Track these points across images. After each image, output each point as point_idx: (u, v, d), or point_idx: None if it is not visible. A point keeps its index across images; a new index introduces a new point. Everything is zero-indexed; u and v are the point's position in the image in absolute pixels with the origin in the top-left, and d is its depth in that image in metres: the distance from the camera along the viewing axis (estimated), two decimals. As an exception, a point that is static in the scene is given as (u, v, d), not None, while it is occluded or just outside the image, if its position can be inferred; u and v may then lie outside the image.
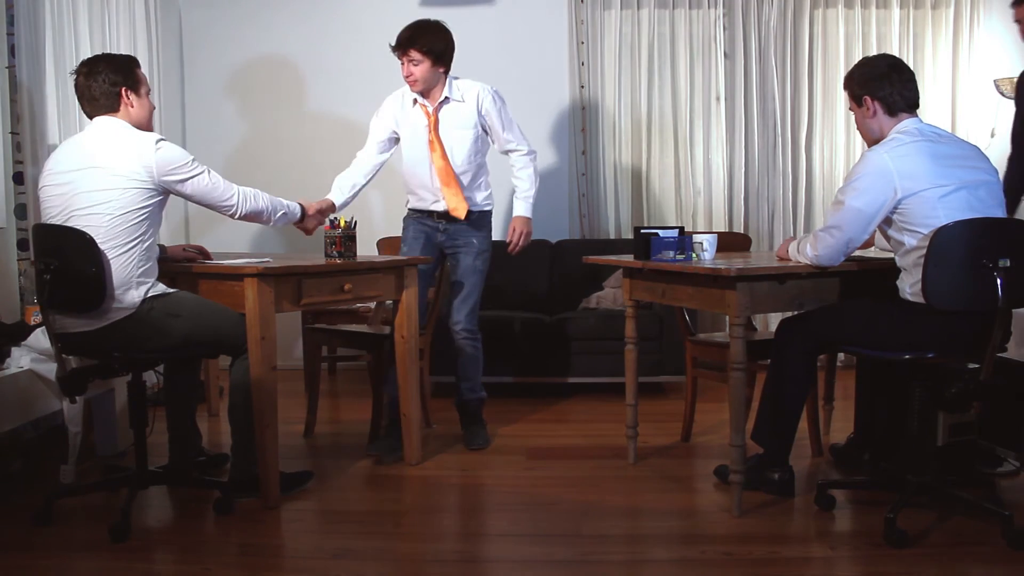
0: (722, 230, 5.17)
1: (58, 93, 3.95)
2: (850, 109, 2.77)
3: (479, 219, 3.61)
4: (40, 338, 3.07)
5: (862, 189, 2.54)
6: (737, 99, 5.24)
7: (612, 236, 5.31)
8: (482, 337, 3.71)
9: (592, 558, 2.45)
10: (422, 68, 3.38)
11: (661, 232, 3.00)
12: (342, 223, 3.12)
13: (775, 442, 2.84)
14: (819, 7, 5.24)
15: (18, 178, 3.68)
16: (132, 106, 2.77)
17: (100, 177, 2.62)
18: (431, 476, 3.23)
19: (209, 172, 2.79)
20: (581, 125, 5.26)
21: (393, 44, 3.41)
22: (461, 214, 3.51)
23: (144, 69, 4.57)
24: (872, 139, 2.71)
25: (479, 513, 2.96)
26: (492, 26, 5.28)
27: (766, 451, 2.88)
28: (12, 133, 3.66)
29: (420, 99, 3.49)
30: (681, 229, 3.05)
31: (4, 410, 2.88)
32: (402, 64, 3.42)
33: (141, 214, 2.65)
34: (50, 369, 2.95)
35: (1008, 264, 2.38)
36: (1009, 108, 5.06)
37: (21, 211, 3.68)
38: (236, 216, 2.92)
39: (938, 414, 2.72)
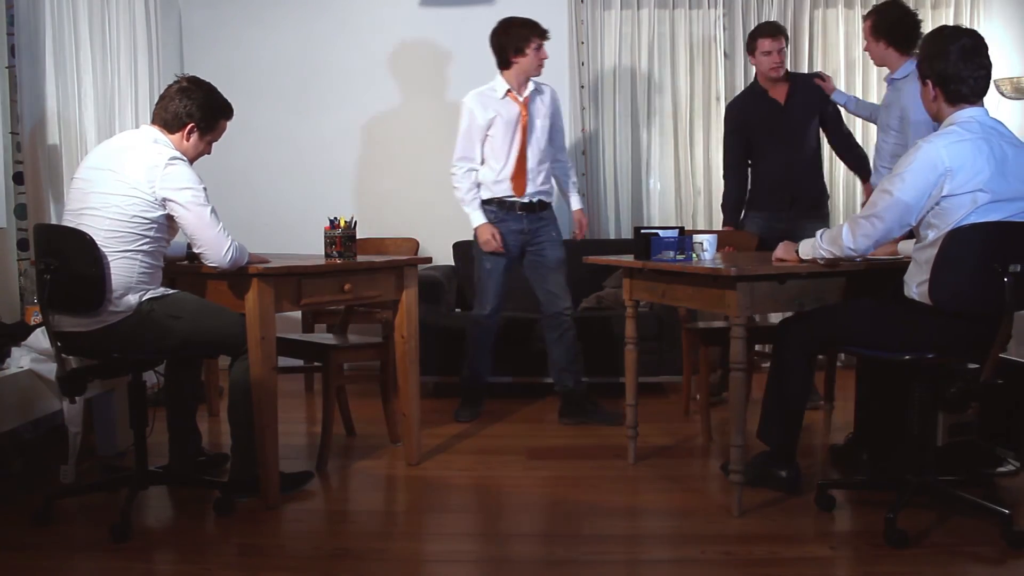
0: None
1: (58, 93, 3.94)
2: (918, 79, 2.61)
3: (552, 209, 3.98)
4: (40, 338, 3.07)
5: (911, 182, 2.42)
6: (737, 99, 5.23)
7: (612, 236, 5.31)
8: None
9: (592, 558, 2.45)
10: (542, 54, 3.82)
11: (661, 232, 3.00)
12: (342, 223, 3.10)
13: (781, 440, 2.84)
14: (819, 7, 5.23)
15: (18, 178, 3.68)
16: (187, 140, 2.79)
17: (111, 181, 2.63)
18: (431, 476, 3.23)
19: (213, 211, 2.70)
20: (581, 125, 5.26)
21: (542, 33, 3.82)
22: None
23: (144, 69, 4.65)
24: (931, 117, 2.60)
25: (479, 513, 2.96)
26: (492, 26, 5.27)
27: (772, 449, 2.88)
28: (12, 133, 3.66)
29: (514, 91, 3.82)
30: (681, 229, 3.05)
31: (4, 410, 2.87)
32: (539, 51, 3.80)
33: (145, 224, 2.65)
34: (50, 369, 2.95)
35: (1019, 269, 2.33)
36: (1011, 108, 5.11)
37: (21, 211, 3.68)
38: (222, 266, 2.70)
39: (938, 414, 2.71)
